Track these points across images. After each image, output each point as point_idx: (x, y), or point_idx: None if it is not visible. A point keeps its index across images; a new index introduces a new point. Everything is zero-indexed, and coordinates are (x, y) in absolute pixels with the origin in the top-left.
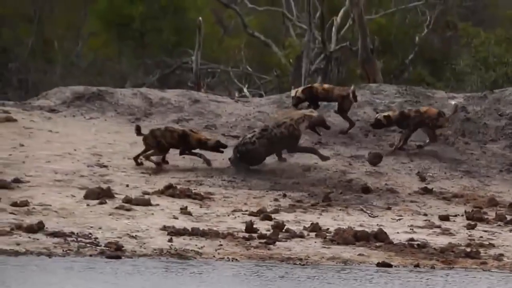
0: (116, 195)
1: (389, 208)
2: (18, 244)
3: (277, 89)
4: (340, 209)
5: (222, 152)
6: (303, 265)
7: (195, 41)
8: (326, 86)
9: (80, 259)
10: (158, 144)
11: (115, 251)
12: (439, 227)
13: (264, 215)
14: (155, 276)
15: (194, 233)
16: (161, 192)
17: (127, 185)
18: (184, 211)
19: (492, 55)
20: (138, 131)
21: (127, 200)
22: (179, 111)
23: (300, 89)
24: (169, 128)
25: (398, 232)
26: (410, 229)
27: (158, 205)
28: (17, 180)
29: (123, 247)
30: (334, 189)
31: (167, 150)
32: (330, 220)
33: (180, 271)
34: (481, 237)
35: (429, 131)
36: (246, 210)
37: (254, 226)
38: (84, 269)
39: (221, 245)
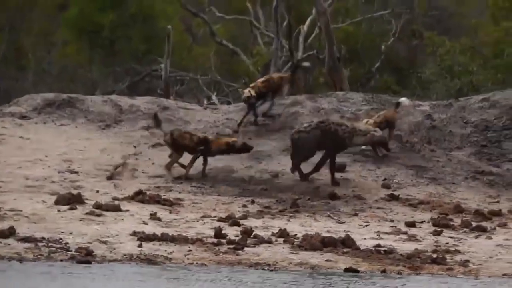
0: (86, 201)
1: (356, 215)
2: None
3: None
4: (307, 215)
5: (249, 152)
6: (272, 270)
7: (164, 49)
8: (262, 79)
9: (58, 263)
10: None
11: (85, 256)
12: (405, 233)
13: (233, 221)
14: (133, 281)
15: (164, 238)
16: (131, 198)
17: (97, 191)
18: (153, 216)
19: (457, 64)
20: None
21: (98, 206)
22: (148, 118)
23: (250, 90)
24: (189, 131)
25: (365, 238)
26: (377, 235)
27: (128, 210)
28: None
29: (93, 252)
30: (302, 196)
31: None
32: (298, 226)
33: (158, 276)
34: (447, 243)
35: (390, 131)
36: (215, 216)
37: (223, 231)
38: (62, 274)
39: (190, 250)
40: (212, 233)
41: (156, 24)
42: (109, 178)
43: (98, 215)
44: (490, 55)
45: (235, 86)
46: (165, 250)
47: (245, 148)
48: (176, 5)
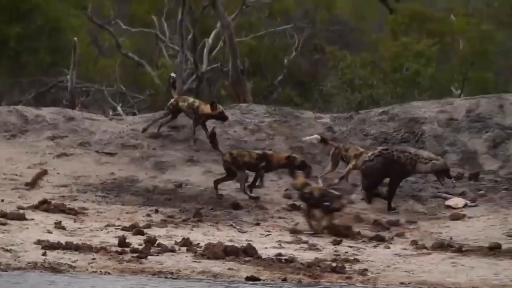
0: None
1: (258, 224)
2: None
3: (150, 108)
4: (210, 225)
5: (304, 169)
6: (175, 278)
7: (70, 60)
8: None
9: None
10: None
11: None
12: (306, 242)
13: (137, 230)
14: None
15: (68, 247)
16: (35, 207)
17: (2, 200)
18: (58, 225)
19: (358, 78)
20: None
21: (2, 215)
22: (54, 128)
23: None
24: (246, 149)
25: (266, 247)
26: (278, 244)
27: (33, 219)
28: None
29: None
30: (205, 205)
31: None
32: (201, 235)
33: (69, 284)
34: (347, 252)
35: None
36: (119, 225)
37: (127, 240)
38: None
39: (94, 259)
40: (116, 241)
41: (63, 36)
42: (28, 184)
43: (3, 224)
44: (389, 69)
45: (140, 98)
46: (69, 259)
47: (305, 165)
48: (83, 18)
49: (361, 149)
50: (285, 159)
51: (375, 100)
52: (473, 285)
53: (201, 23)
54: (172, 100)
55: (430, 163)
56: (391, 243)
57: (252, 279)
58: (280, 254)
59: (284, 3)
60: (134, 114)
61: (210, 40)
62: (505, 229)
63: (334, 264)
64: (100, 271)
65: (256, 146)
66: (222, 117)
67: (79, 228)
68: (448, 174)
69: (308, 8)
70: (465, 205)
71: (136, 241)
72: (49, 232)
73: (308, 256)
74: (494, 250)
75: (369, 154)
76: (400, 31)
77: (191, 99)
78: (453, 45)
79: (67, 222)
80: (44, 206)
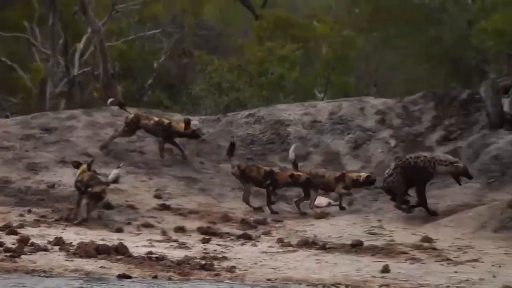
0: None
1: (129, 223)
2: None
3: (23, 111)
4: (82, 224)
5: (312, 187)
6: (48, 277)
7: None
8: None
9: None
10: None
11: None
12: (176, 241)
13: (10, 230)
14: None
15: None
16: None
17: None
18: None
19: (225, 81)
20: None
21: None
22: None
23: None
24: (256, 165)
25: (137, 246)
26: (149, 243)
27: None
28: None
29: None
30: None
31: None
32: (73, 235)
33: None
34: (215, 250)
35: None
36: None
37: (0, 240)
38: None
39: None
40: None
41: None
42: None
43: None
44: (255, 73)
45: (12, 101)
46: None
47: (310, 183)
48: None
49: (337, 173)
50: (289, 177)
51: (242, 103)
52: (336, 281)
53: (73, 28)
54: (131, 117)
55: (452, 166)
56: (258, 241)
57: (123, 276)
58: (151, 252)
59: (153, 9)
60: (7, 116)
61: (81, 44)
62: (367, 227)
63: (203, 262)
64: None
65: (127, 147)
66: (195, 136)
67: None
68: (469, 175)
69: (176, 14)
70: (329, 204)
71: (9, 240)
72: None
73: (178, 254)
74: (356, 247)
75: (387, 171)
76: (265, 36)
77: (156, 117)
78: (316, 50)
79: None
80: None
